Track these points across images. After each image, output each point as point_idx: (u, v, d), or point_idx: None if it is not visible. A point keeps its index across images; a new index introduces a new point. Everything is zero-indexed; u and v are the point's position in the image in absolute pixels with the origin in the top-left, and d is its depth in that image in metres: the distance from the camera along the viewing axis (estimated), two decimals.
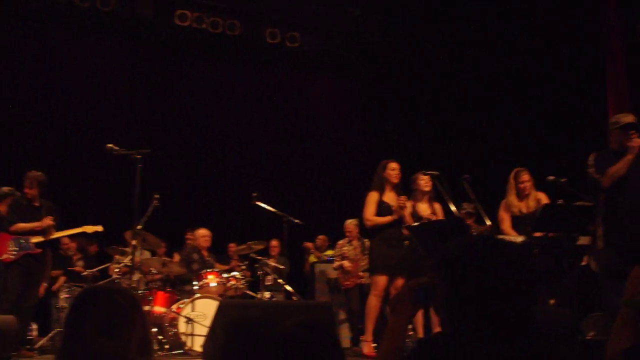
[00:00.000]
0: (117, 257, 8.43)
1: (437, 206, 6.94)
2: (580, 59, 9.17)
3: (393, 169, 6.68)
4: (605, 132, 5.40)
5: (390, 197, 6.62)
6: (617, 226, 5.02)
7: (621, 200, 5.03)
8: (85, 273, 8.52)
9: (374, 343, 6.68)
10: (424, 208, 6.96)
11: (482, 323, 1.76)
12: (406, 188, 6.99)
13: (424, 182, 6.90)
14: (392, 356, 2.13)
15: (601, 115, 7.92)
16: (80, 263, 9.35)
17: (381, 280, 6.57)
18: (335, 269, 9.01)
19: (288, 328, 2.01)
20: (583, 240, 5.82)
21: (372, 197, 6.64)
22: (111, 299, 1.93)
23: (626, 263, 4.69)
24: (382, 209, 6.55)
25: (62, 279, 9.09)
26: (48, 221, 7.00)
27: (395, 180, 6.67)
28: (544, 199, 6.45)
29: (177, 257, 9.26)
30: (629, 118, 5.22)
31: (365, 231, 8.71)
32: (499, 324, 1.75)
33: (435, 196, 6.93)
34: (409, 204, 6.94)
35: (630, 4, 8.41)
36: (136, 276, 7.40)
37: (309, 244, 10.24)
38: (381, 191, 6.65)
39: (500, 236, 5.95)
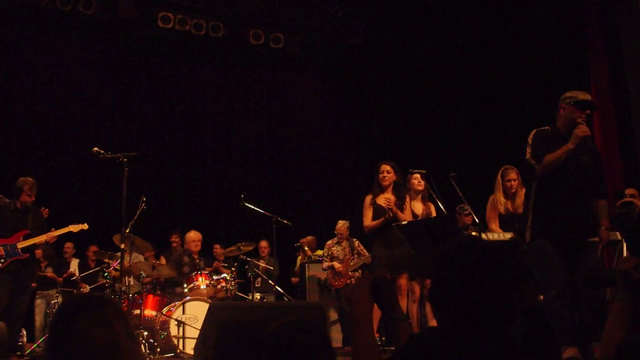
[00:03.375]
0: (106, 260, 8.40)
1: (431, 206, 6.98)
2: (564, 58, 9.24)
3: (382, 172, 6.72)
4: None
5: (382, 199, 6.66)
6: (547, 215, 4.70)
7: (551, 189, 4.70)
8: (74, 278, 8.52)
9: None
10: (417, 207, 7.01)
11: (464, 319, 1.81)
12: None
13: (417, 181, 6.95)
14: (367, 350, 2.18)
15: None
16: (49, 269, 9.30)
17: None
18: (324, 269, 9.02)
19: (278, 328, 2.03)
20: None
21: (367, 202, 6.72)
22: (99, 299, 1.98)
23: (553, 254, 4.61)
24: (375, 210, 6.61)
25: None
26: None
27: (385, 183, 6.69)
28: None
29: (162, 260, 9.23)
30: (586, 95, 4.83)
31: (355, 231, 8.76)
32: (479, 321, 1.80)
33: (428, 195, 6.96)
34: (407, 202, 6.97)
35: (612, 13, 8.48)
36: (128, 279, 7.41)
37: (304, 240, 10.15)
38: (375, 194, 6.71)
39: (489, 234, 5.99)
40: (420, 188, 7.00)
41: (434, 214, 6.90)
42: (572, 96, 4.82)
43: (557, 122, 4.89)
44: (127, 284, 7.36)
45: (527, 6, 9.39)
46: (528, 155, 4.79)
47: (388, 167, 6.75)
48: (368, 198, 6.72)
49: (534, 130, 4.88)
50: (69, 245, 9.58)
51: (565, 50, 9.21)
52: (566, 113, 4.81)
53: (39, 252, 9.24)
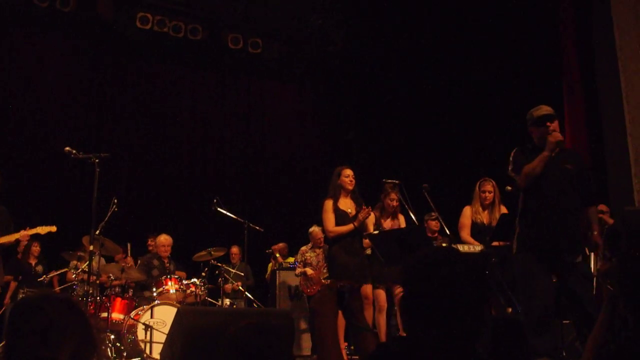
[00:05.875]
0: (74, 262, 8.29)
1: (401, 218, 6.96)
2: (538, 71, 9.34)
3: (347, 176, 6.61)
4: None
5: (345, 204, 6.56)
6: (531, 227, 4.79)
7: (536, 200, 4.79)
8: (40, 279, 8.42)
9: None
10: (386, 223, 7.02)
11: (434, 330, 1.80)
12: (374, 196, 6.98)
13: (392, 201, 6.91)
14: (333, 354, 2.19)
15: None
16: (40, 267, 9.20)
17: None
18: (297, 275, 8.98)
19: (236, 331, 2.02)
20: None
21: (328, 206, 6.53)
22: (42, 310, 1.94)
23: (538, 266, 4.69)
24: (338, 216, 6.48)
25: (13, 284, 8.96)
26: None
27: (350, 187, 6.59)
28: (505, 211, 6.53)
29: (131, 262, 9.13)
30: (542, 110, 4.93)
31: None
32: (449, 332, 1.79)
33: (400, 207, 6.96)
34: (373, 214, 6.92)
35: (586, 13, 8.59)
36: (93, 282, 7.29)
37: (276, 247, 10.11)
38: (335, 198, 6.57)
39: (460, 245, 6.03)
40: (394, 204, 6.99)
41: (402, 225, 6.90)
42: (530, 116, 4.99)
43: (533, 139, 4.99)
44: (95, 286, 7.27)
45: (503, 17, 9.48)
46: (509, 170, 4.92)
47: (352, 172, 6.66)
48: (328, 202, 6.54)
49: (515, 149, 5.00)
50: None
51: (539, 63, 9.32)
52: (534, 134, 4.96)
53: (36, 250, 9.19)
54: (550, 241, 4.70)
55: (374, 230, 6.81)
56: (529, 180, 4.77)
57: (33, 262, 9.25)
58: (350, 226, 6.37)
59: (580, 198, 4.87)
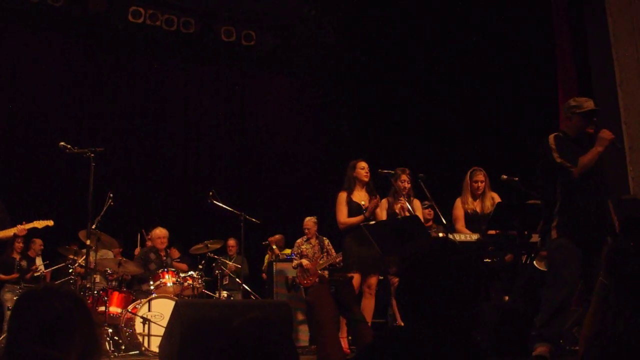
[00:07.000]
0: (71, 256, 8.29)
1: (417, 203, 6.92)
2: (532, 62, 9.35)
3: (362, 168, 6.73)
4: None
5: (359, 196, 6.65)
6: (573, 219, 4.75)
7: (579, 194, 4.77)
8: (37, 274, 8.41)
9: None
10: (399, 206, 7.00)
11: (430, 320, 1.81)
12: (376, 186, 6.98)
13: (403, 183, 6.89)
14: (332, 351, 2.20)
15: (552, 116, 8.11)
16: (24, 263, 9.19)
17: (354, 277, 6.54)
18: (294, 267, 9.00)
19: (241, 324, 2.01)
20: (536, 237, 5.91)
21: (342, 198, 6.65)
22: (48, 303, 1.80)
23: (575, 257, 4.69)
24: (352, 208, 6.57)
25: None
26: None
27: (365, 179, 6.70)
28: (497, 198, 6.54)
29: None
30: (590, 103, 4.89)
31: (324, 229, 8.75)
32: (444, 321, 1.80)
33: (415, 193, 6.91)
34: (384, 202, 6.87)
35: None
36: (94, 276, 7.30)
37: (272, 238, 10.10)
38: (350, 191, 6.67)
39: (456, 234, 6.04)
40: (406, 185, 6.94)
41: (418, 210, 6.84)
42: (576, 105, 4.91)
43: (566, 129, 4.95)
44: (92, 280, 7.26)
45: (496, 7, 9.47)
46: (559, 159, 4.77)
47: (367, 165, 6.75)
48: (342, 195, 6.66)
49: (552, 135, 4.89)
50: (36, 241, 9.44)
51: (533, 52, 9.32)
52: (574, 123, 4.89)
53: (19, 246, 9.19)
54: (593, 231, 4.72)
55: (389, 216, 6.82)
56: (585, 172, 4.72)
57: (17, 257, 9.22)
58: (360, 217, 6.46)
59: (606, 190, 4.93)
